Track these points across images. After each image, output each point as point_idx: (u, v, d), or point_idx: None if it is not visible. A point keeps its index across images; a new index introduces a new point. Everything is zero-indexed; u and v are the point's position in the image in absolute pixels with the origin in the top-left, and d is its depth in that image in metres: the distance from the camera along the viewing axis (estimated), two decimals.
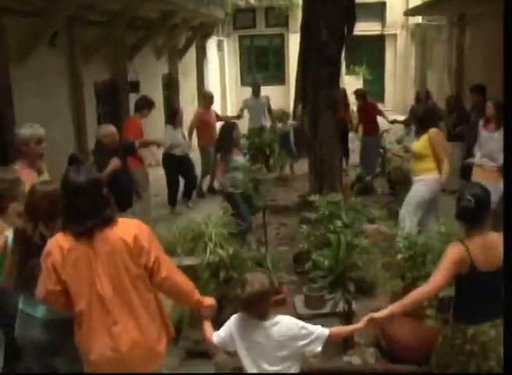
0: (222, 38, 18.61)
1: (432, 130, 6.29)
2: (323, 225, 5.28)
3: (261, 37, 20.70)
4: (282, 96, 18.39)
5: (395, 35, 20.02)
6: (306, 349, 2.91)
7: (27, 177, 4.31)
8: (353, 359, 4.48)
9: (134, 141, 6.54)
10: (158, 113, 11.71)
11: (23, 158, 4.68)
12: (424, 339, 4.10)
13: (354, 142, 11.18)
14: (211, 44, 16.88)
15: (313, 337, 2.89)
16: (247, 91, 18.03)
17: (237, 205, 6.51)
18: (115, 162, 5.67)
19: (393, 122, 10.34)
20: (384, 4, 19.68)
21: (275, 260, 5.43)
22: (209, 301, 3.23)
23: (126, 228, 2.91)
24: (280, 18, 19.83)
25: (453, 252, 3.25)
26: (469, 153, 8.47)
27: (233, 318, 2.99)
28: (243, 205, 6.52)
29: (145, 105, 7.74)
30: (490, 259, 3.24)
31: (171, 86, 12.60)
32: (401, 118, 11.34)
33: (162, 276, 2.92)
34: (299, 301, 5.29)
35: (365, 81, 19.47)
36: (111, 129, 5.90)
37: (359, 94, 10.36)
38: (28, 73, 6.29)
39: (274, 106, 11.64)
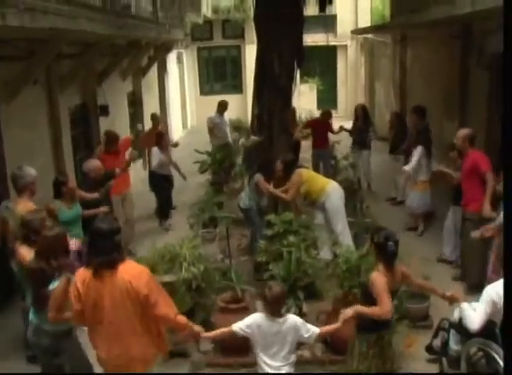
0: (181, 50, 19.18)
1: (294, 174, 7.30)
2: (278, 240, 6.25)
3: (219, 48, 21.38)
4: (239, 104, 19.21)
5: (345, 46, 20.99)
6: (303, 340, 3.98)
7: (30, 208, 5.17)
8: (304, 353, 5.34)
9: (114, 172, 7.27)
10: (124, 131, 12.38)
11: (27, 193, 5.44)
12: None
13: (308, 152, 12.06)
14: (171, 57, 17.42)
15: (310, 332, 3.93)
16: (206, 100, 18.96)
17: (251, 219, 7.58)
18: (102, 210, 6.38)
19: (340, 130, 11.35)
20: (335, 16, 20.66)
21: (239, 272, 6.25)
22: (199, 329, 4.06)
23: (130, 271, 3.64)
24: (236, 30, 20.64)
25: (383, 282, 3.98)
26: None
27: (254, 317, 3.96)
28: (258, 219, 7.51)
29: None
30: (394, 283, 4.15)
31: (135, 102, 13.06)
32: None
33: (159, 315, 3.71)
34: (259, 305, 6.13)
35: (318, 90, 20.59)
36: (97, 164, 6.69)
37: (327, 114, 11.63)
38: (15, 108, 6.89)
39: (232, 114, 12.26)
